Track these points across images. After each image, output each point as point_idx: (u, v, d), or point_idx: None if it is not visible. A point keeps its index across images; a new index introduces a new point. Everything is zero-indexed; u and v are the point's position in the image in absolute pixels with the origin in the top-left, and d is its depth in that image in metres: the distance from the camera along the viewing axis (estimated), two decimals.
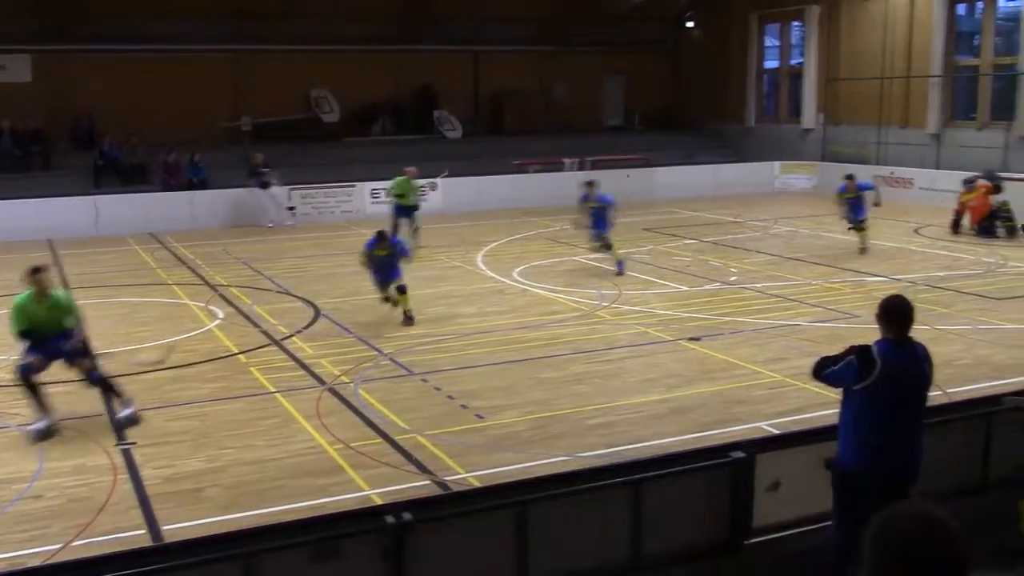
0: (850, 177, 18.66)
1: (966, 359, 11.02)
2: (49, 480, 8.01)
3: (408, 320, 13.10)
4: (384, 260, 13.42)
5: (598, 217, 16.60)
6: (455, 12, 29.04)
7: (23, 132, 24.66)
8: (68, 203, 22.45)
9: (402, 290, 13.27)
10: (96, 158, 24.62)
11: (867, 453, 5.42)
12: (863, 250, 18.10)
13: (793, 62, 31.48)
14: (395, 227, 18.53)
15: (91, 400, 9.91)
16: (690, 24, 33.42)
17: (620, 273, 16.17)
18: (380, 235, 13.60)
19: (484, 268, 17.32)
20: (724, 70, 32.23)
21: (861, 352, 5.36)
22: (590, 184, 17.24)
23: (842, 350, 5.48)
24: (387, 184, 20.28)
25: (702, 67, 32.92)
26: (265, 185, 22.96)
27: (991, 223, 19.95)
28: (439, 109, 30.58)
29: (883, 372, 5.28)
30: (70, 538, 6.90)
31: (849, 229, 18.40)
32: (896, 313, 5.43)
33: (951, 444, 6.64)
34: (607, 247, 16.55)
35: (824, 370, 5.54)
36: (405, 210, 19.35)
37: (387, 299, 13.55)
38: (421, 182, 20.66)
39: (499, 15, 29.69)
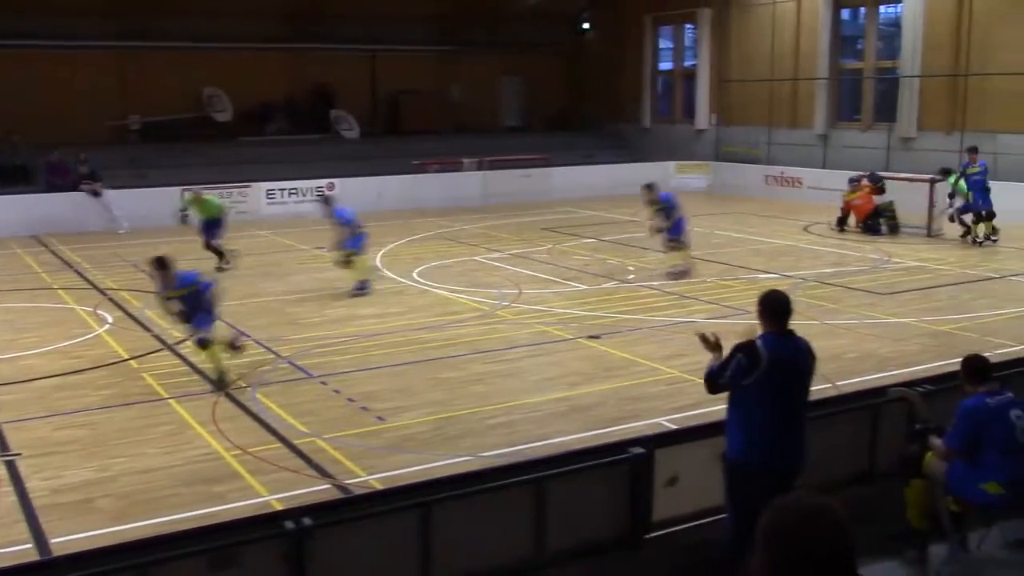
0: (649, 187, 16.36)
1: (854, 352, 11.38)
2: None
3: (217, 385, 10.16)
4: (187, 302, 10.36)
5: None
6: (352, 11, 28.74)
7: None
8: None
9: (202, 343, 10.28)
10: None
11: (756, 445, 5.54)
12: (681, 272, 15.78)
13: (687, 64, 32.09)
14: (207, 245, 17.30)
15: None
16: (586, 26, 33.78)
17: (356, 294, 14.75)
18: (160, 262, 10.24)
19: (383, 269, 17.18)
20: (620, 71, 32.67)
21: (746, 349, 5.49)
22: (327, 200, 15.88)
23: (726, 354, 5.60)
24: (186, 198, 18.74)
25: (599, 68, 33.31)
26: (96, 194, 22.26)
27: (876, 221, 20.69)
28: (336, 109, 30.27)
29: (769, 364, 5.41)
30: None
31: (670, 242, 16.14)
32: (775, 307, 5.61)
33: (840, 435, 6.86)
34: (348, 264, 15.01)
35: (718, 379, 5.61)
36: (210, 225, 17.56)
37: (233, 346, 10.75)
38: None
39: (396, 14, 29.51)
